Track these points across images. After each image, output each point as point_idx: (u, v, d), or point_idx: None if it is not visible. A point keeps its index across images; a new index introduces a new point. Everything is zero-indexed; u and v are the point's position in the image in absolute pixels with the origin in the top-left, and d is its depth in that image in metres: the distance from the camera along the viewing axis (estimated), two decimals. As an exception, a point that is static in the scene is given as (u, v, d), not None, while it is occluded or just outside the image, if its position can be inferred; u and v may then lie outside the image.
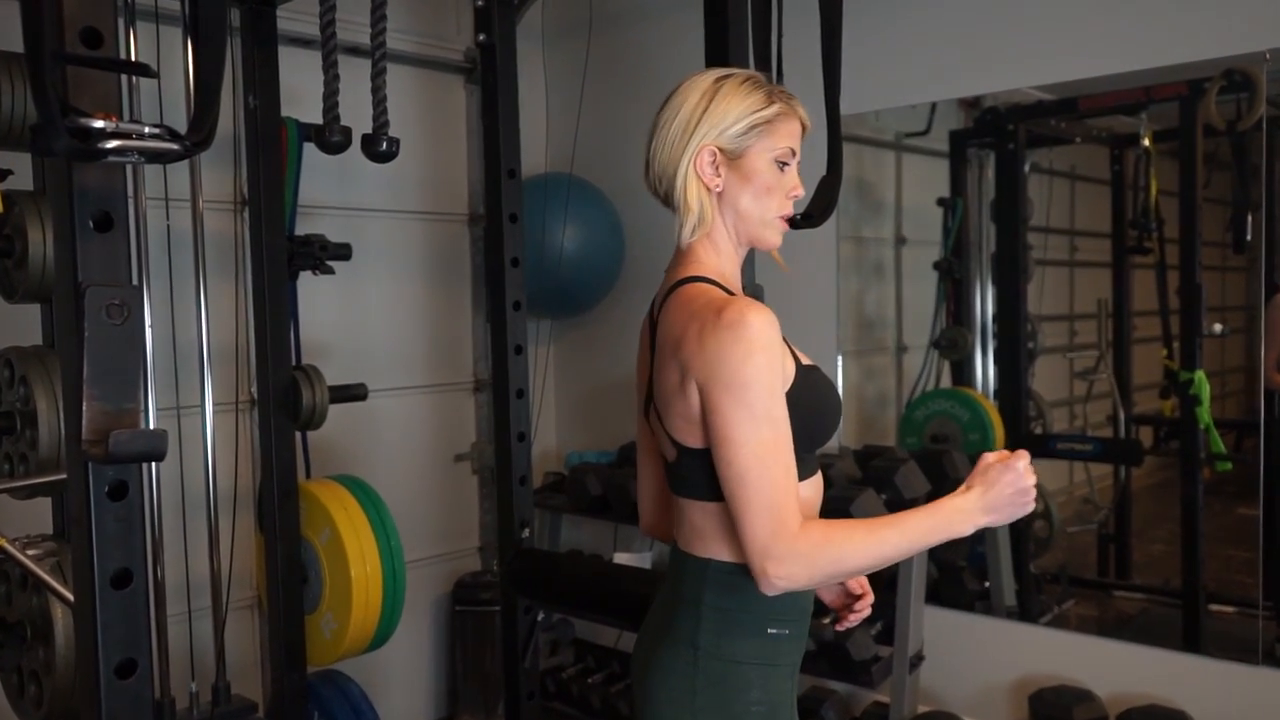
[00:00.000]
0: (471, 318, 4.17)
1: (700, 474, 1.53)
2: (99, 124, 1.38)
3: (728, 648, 1.54)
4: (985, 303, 3.75)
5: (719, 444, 1.44)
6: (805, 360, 1.57)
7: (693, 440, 1.51)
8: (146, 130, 1.42)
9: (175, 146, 1.45)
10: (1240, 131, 2.88)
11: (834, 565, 1.43)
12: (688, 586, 1.58)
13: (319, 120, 2.65)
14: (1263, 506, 2.84)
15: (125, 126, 1.40)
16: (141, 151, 1.42)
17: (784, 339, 1.51)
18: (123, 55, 2.24)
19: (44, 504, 2.54)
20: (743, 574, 1.49)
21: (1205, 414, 3.11)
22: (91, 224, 1.53)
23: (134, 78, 2.69)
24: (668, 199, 1.58)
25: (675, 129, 1.54)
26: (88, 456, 1.52)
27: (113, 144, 1.39)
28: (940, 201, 3.76)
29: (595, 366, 4.28)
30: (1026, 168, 3.59)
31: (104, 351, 1.51)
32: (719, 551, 1.55)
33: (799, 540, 1.40)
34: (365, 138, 2.62)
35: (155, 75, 1.52)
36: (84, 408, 1.50)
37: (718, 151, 1.54)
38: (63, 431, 2.23)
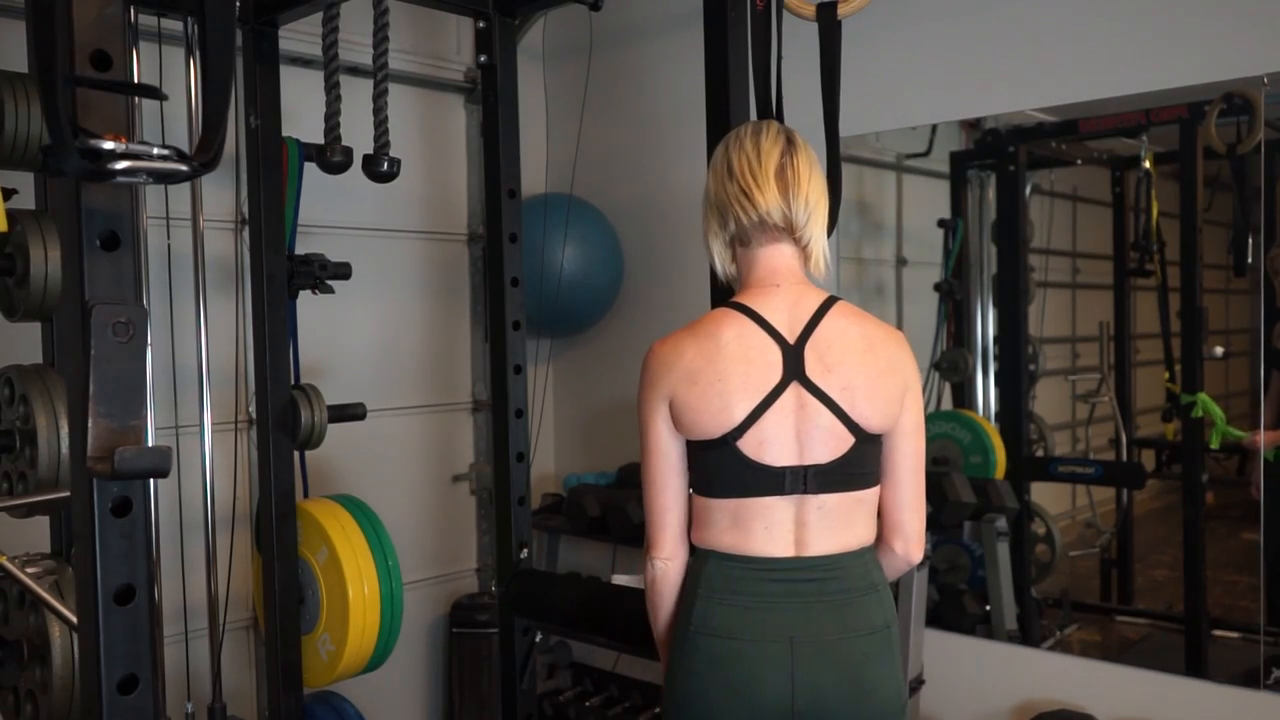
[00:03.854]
0: (470, 337, 4.16)
1: (873, 460, 1.79)
2: (109, 145, 1.38)
3: (895, 611, 1.83)
4: (986, 324, 3.76)
5: (917, 435, 1.82)
6: None
7: (877, 427, 1.77)
8: (155, 151, 1.42)
9: (184, 168, 1.45)
10: (1240, 154, 2.90)
11: None
12: (855, 578, 1.77)
13: (319, 140, 2.65)
14: (1264, 532, 2.83)
15: (135, 148, 1.40)
16: (150, 172, 1.42)
17: None
18: (129, 77, 2.24)
19: (42, 523, 2.52)
20: (874, 546, 1.84)
21: (1219, 421, 3.08)
22: (98, 243, 1.53)
23: (138, 98, 2.69)
24: (795, 232, 1.79)
25: (818, 183, 1.81)
26: (93, 473, 1.52)
27: (123, 165, 1.39)
28: (941, 223, 3.77)
29: (594, 387, 4.28)
30: (1027, 189, 3.60)
31: (110, 369, 1.50)
32: (866, 536, 1.82)
33: None
34: (366, 158, 2.62)
35: (164, 98, 1.52)
36: (90, 424, 1.49)
37: None
38: (62, 450, 2.22)
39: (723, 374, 1.74)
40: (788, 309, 1.78)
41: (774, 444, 1.73)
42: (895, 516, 1.83)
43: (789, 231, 1.79)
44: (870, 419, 1.75)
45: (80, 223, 1.50)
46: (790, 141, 1.81)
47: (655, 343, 1.84)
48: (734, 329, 1.76)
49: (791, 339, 1.75)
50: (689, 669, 1.78)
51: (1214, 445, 3.10)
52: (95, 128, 1.45)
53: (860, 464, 1.76)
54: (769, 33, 2.18)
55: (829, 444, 1.73)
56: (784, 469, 1.73)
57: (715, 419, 1.74)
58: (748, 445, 1.73)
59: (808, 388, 1.73)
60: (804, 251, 1.82)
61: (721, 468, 1.76)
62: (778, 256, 1.81)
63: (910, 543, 1.84)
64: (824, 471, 1.73)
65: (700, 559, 1.82)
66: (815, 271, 1.85)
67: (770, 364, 1.74)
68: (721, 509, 1.78)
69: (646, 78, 4.00)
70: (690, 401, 1.76)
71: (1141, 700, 2.98)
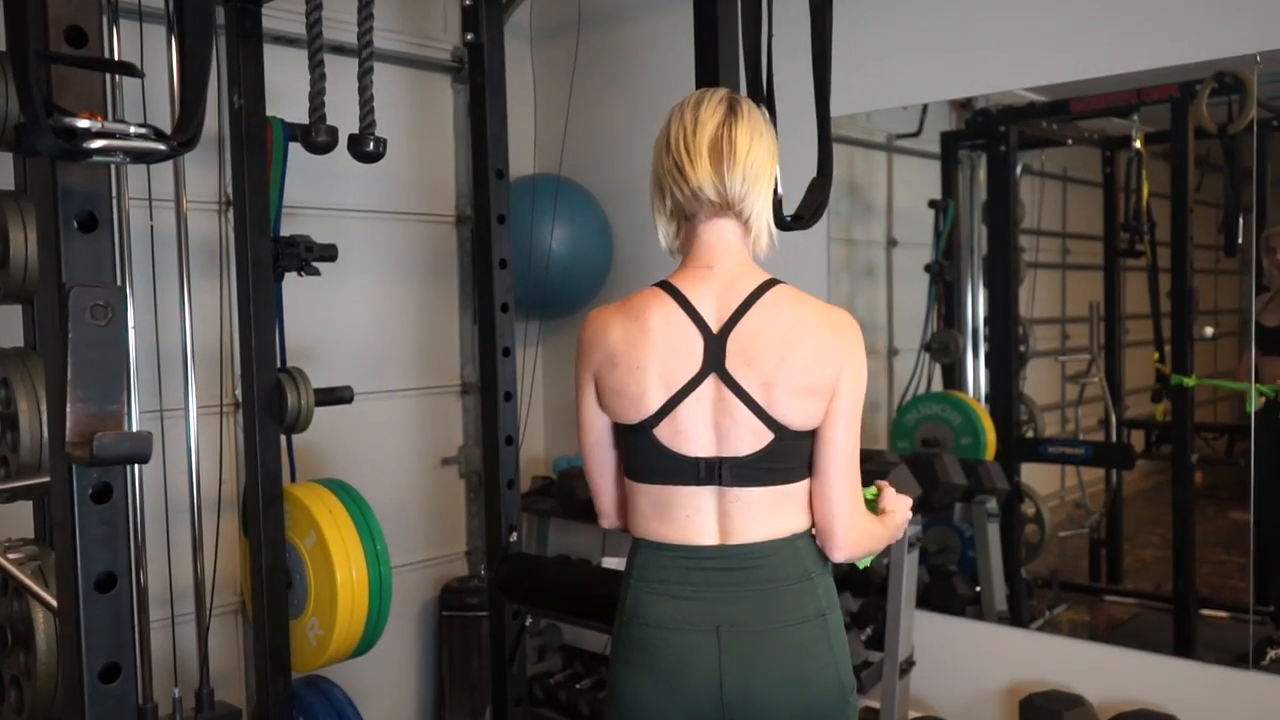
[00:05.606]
0: (459, 320, 4.14)
1: (795, 456, 1.71)
2: (84, 123, 1.36)
3: (834, 597, 1.77)
4: (977, 305, 3.75)
5: (847, 426, 1.70)
6: None
7: (799, 424, 1.68)
8: (132, 130, 1.40)
9: (161, 146, 1.43)
10: (1231, 134, 2.88)
11: (870, 544, 1.78)
12: (785, 567, 1.71)
13: (304, 120, 2.62)
14: (1253, 511, 2.84)
15: (110, 126, 1.37)
16: (127, 151, 1.40)
17: None
18: (107, 54, 2.21)
19: (25, 507, 2.51)
20: (811, 535, 1.76)
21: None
22: (75, 224, 1.50)
23: (118, 76, 2.66)
24: (734, 207, 1.71)
25: (761, 153, 1.72)
26: (72, 459, 1.50)
27: (98, 144, 1.37)
28: (932, 203, 3.76)
29: (583, 369, 4.25)
30: (1018, 170, 3.59)
31: (88, 353, 1.48)
32: (797, 524, 1.74)
33: (865, 519, 1.77)
34: (351, 138, 2.59)
35: (141, 75, 1.49)
36: (68, 409, 1.47)
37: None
38: (44, 434, 2.20)
39: (642, 361, 1.71)
40: (718, 295, 1.72)
41: (689, 434, 1.70)
42: (818, 509, 1.74)
43: (727, 206, 1.71)
44: (789, 416, 1.67)
45: (56, 203, 1.48)
46: (732, 110, 1.72)
47: (590, 314, 1.82)
48: (660, 313, 1.72)
49: (716, 328, 1.70)
50: (624, 658, 1.77)
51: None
52: (71, 106, 1.42)
53: (783, 459, 1.70)
54: (759, 11, 2.16)
55: (746, 438, 1.68)
56: (699, 459, 1.70)
57: (633, 405, 1.72)
58: (663, 434, 1.71)
59: (726, 381, 1.68)
60: (746, 226, 1.74)
61: (642, 452, 1.74)
62: (716, 233, 1.74)
63: (828, 539, 1.73)
64: (741, 465, 1.69)
65: (634, 548, 1.81)
66: (758, 251, 1.77)
67: (691, 354, 1.69)
68: (645, 494, 1.76)
69: (635, 57, 3.97)
70: (610, 384, 1.75)
71: (1130, 680, 2.99)
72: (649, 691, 1.73)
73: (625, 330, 1.74)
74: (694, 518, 1.72)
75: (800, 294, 1.73)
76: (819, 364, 1.67)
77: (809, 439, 1.72)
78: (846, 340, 1.70)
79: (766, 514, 1.71)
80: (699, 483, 1.71)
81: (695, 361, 1.69)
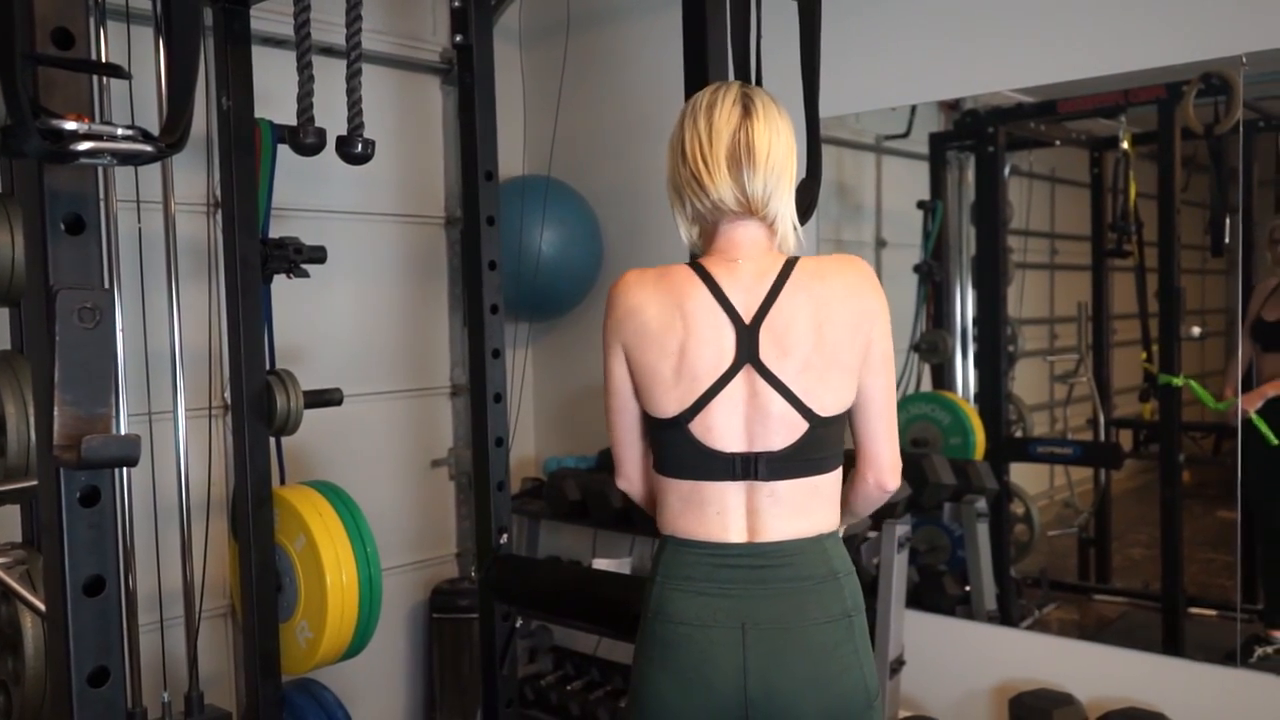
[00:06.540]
0: (448, 321, 4.14)
1: (827, 445, 1.70)
2: (71, 125, 1.35)
3: (860, 600, 1.74)
4: (965, 306, 3.76)
5: (885, 370, 1.72)
6: None
7: (835, 408, 1.69)
8: (119, 132, 1.39)
9: (149, 148, 1.42)
10: (1218, 135, 2.89)
11: None
12: (812, 566, 1.70)
13: (293, 122, 2.62)
14: (1240, 510, 2.85)
15: (98, 128, 1.37)
16: (114, 153, 1.39)
17: None
18: (94, 56, 2.20)
19: (12, 511, 2.49)
20: (839, 536, 1.77)
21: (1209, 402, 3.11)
22: (63, 226, 1.49)
23: (105, 78, 2.65)
24: (758, 212, 1.71)
25: (781, 150, 1.71)
26: (59, 462, 1.49)
27: (85, 146, 1.36)
28: (920, 204, 3.77)
29: (574, 370, 4.26)
30: (1006, 170, 3.59)
31: (76, 355, 1.47)
32: (825, 524, 1.73)
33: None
34: (340, 139, 2.59)
35: (128, 76, 1.49)
36: (55, 413, 1.46)
37: None
38: (32, 438, 2.19)
39: (676, 349, 1.69)
40: (747, 287, 1.70)
41: (722, 430, 1.69)
42: (868, 448, 1.76)
43: (750, 213, 1.71)
44: (826, 401, 1.67)
45: (43, 205, 1.47)
46: (747, 110, 1.70)
47: (625, 277, 1.78)
48: (695, 300, 1.70)
49: (748, 319, 1.68)
50: (645, 654, 1.76)
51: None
52: (58, 107, 1.42)
53: (816, 449, 1.69)
54: (748, 11, 2.16)
55: (781, 431, 1.67)
56: (734, 455, 1.69)
57: (664, 398, 1.71)
58: (697, 429, 1.70)
59: (761, 373, 1.67)
60: (771, 229, 1.74)
61: (674, 448, 1.73)
62: (741, 231, 1.73)
63: (883, 471, 1.76)
64: (776, 459, 1.68)
65: (660, 545, 1.79)
66: (785, 250, 1.76)
67: (724, 347, 1.68)
68: (674, 490, 1.75)
69: (625, 58, 3.97)
70: (642, 364, 1.73)
71: (1119, 679, 2.99)
72: (671, 689, 1.70)
73: (661, 310, 1.71)
74: (723, 514, 1.71)
75: (815, 265, 1.72)
76: (853, 334, 1.68)
77: (840, 423, 1.72)
78: (868, 293, 1.71)
79: (795, 511, 1.70)
80: (732, 478, 1.69)
81: (728, 355, 1.68)
